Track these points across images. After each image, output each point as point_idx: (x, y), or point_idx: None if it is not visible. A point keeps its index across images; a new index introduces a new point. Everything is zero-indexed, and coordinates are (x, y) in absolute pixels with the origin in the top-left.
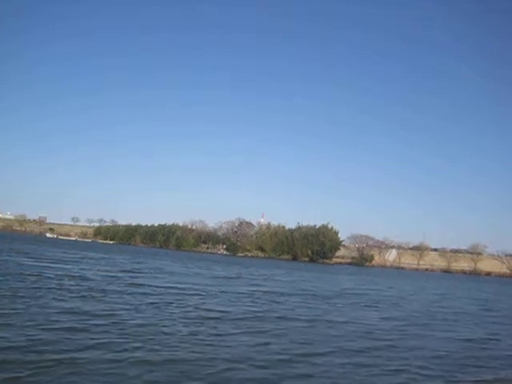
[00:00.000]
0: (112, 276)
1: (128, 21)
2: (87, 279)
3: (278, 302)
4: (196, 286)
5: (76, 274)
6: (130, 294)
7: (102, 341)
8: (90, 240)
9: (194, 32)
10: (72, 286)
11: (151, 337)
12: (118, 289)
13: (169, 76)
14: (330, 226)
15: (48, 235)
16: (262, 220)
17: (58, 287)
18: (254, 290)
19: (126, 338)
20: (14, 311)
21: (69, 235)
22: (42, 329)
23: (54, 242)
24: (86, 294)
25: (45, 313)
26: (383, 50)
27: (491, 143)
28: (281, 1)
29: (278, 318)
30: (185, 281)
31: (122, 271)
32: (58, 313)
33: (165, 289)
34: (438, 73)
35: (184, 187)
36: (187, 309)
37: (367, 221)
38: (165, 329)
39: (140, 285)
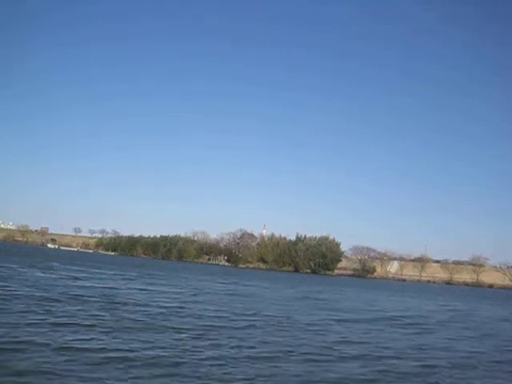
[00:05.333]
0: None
1: (131, 28)
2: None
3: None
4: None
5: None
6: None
7: None
8: (91, 251)
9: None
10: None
11: None
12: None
13: (170, 84)
14: (330, 238)
15: (50, 246)
16: (264, 231)
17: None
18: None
19: None
20: None
21: (70, 246)
22: None
23: (62, 255)
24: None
25: None
26: (382, 59)
27: (491, 154)
28: (281, 8)
29: None
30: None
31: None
32: None
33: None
34: (438, 83)
35: (186, 198)
36: None
37: (369, 233)
38: None
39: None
